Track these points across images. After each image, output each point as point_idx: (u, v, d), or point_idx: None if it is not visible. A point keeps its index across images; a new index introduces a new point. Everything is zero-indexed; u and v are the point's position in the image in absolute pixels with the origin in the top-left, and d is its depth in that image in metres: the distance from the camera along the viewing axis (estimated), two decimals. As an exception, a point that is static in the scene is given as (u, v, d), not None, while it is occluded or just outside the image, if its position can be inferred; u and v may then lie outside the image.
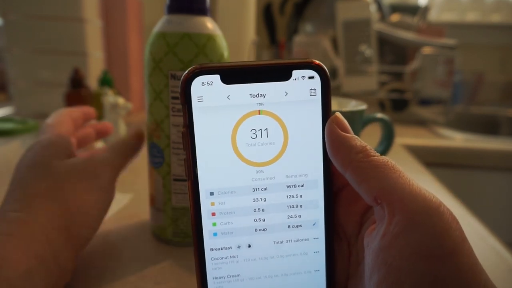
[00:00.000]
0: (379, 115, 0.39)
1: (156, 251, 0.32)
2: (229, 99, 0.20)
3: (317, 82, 0.21)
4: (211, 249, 0.21)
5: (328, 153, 0.20)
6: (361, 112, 0.36)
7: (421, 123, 1.06)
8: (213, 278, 0.21)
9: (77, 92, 0.66)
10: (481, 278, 0.17)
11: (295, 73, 0.20)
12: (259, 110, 0.20)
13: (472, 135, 0.94)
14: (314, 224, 0.22)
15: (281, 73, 0.20)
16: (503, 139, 0.95)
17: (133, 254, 0.30)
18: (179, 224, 0.32)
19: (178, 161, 0.31)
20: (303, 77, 0.20)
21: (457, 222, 0.17)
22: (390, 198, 0.18)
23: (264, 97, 0.20)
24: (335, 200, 0.22)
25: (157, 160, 0.32)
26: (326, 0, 1.11)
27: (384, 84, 1.03)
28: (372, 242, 0.19)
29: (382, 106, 1.04)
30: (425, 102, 1.14)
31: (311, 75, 0.20)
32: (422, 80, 0.99)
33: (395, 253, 0.17)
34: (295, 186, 0.21)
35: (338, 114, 0.21)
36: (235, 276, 0.22)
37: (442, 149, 0.87)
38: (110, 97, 0.52)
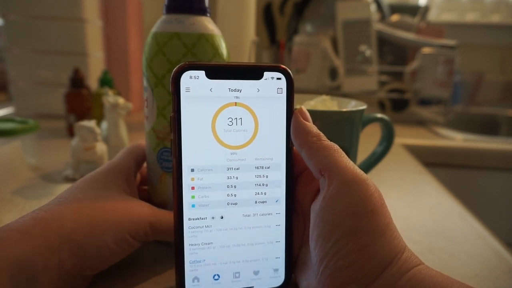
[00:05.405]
0: (379, 115, 0.39)
1: (157, 252, 0.32)
2: (211, 91, 0.23)
3: (283, 82, 0.24)
4: (189, 219, 0.24)
5: (291, 136, 0.25)
6: (361, 112, 0.36)
7: (421, 123, 1.06)
8: (189, 245, 0.25)
9: (77, 92, 0.66)
10: (394, 233, 0.22)
11: (266, 74, 0.24)
12: (235, 102, 0.24)
13: (472, 135, 0.94)
14: (277, 201, 0.26)
15: (255, 73, 0.24)
16: (502, 139, 0.95)
17: (133, 255, 0.30)
18: None
19: None
20: (272, 78, 0.24)
21: (379, 193, 0.22)
22: (330, 171, 0.22)
23: (240, 92, 0.24)
24: (295, 181, 0.26)
25: (170, 164, 0.31)
26: (326, 0, 1.11)
27: (384, 84, 1.03)
28: (315, 205, 0.23)
29: (382, 106, 1.04)
30: (425, 102, 1.14)
31: (279, 76, 0.24)
32: (422, 80, 0.99)
33: (330, 211, 0.22)
34: (262, 167, 0.25)
35: (303, 107, 0.25)
36: (208, 243, 0.25)
37: (442, 149, 0.87)
38: (110, 97, 0.52)
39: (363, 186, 0.22)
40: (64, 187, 0.44)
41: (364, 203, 0.21)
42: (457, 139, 0.91)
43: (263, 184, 0.25)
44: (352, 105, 0.38)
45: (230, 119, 0.24)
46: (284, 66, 0.24)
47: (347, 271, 0.21)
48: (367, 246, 0.21)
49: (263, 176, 0.25)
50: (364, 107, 0.36)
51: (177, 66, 0.23)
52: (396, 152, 0.74)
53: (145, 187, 0.35)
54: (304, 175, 0.26)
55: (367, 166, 0.41)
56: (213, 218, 0.25)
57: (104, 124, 0.58)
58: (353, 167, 0.23)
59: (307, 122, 0.24)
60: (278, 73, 0.24)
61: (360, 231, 0.21)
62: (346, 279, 0.21)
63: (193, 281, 0.25)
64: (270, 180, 0.25)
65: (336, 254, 0.21)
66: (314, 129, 0.24)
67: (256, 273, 0.26)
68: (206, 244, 0.25)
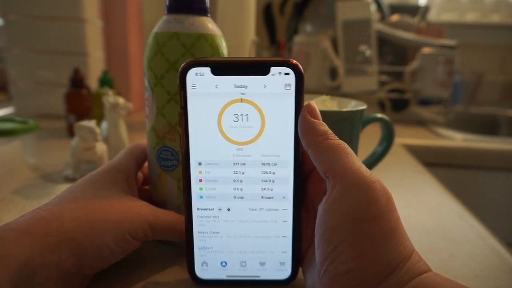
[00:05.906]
0: (379, 115, 0.39)
1: (157, 252, 0.32)
2: (217, 88, 0.24)
3: (292, 78, 0.23)
4: (198, 209, 0.26)
5: (299, 134, 0.24)
6: (361, 112, 0.36)
7: (421, 123, 1.06)
8: (198, 232, 0.26)
9: (77, 92, 0.66)
10: (400, 240, 0.21)
11: (273, 69, 0.23)
12: (241, 99, 0.24)
13: (472, 135, 0.95)
14: (284, 197, 0.25)
15: (261, 69, 0.23)
16: (502, 139, 0.95)
17: (133, 255, 0.30)
18: None
19: None
20: (280, 73, 0.23)
21: (387, 197, 0.21)
22: (335, 173, 0.22)
23: (246, 88, 0.24)
24: (306, 179, 0.26)
25: (170, 163, 0.31)
26: (326, 0, 1.11)
27: (384, 84, 1.03)
28: (320, 207, 0.23)
29: (382, 106, 1.04)
30: (425, 102, 1.14)
31: (287, 71, 0.23)
32: (422, 80, 0.99)
33: (332, 215, 0.21)
34: (269, 164, 0.25)
35: (312, 103, 0.24)
36: (216, 232, 0.26)
37: (442, 149, 0.87)
38: (110, 97, 0.52)
39: (368, 190, 0.21)
40: (64, 187, 0.44)
41: (367, 208, 0.21)
42: (457, 139, 0.91)
43: (270, 180, 0.25)
44: (352, 105, 0.38)
45: (236, 116, 0.24)
46: (294, 61, 0.23)
47: (346, 276, 0.21)
48: (367, 254, 0.20)
49: (270, 172, 0.25)
50: (364, 107, 0.36)
51: (184, 63, 0.23)
52: (396, 152, 0.74)
53: (146, 187, 0.35)
54: (315, 173, 0.25)
55: (367, 166, 0.40)
56: (220, 209, 0.26)
57: (104, 124, 0.58)
58: (360, 168, 0.22)
59: (314, 120, 0.23)
60: (287, 68, 0.23)
61: (361, 237, 0.20)
62: (345, 284, 0.21)
63: (202, 265, 0.27)
64: (277, 176, 0.25)
65: (335, 259, 0.21)
66: (321, 127, 0.23)
67: (262, 264, 0.26)
68: (213, 233, 0.26)
